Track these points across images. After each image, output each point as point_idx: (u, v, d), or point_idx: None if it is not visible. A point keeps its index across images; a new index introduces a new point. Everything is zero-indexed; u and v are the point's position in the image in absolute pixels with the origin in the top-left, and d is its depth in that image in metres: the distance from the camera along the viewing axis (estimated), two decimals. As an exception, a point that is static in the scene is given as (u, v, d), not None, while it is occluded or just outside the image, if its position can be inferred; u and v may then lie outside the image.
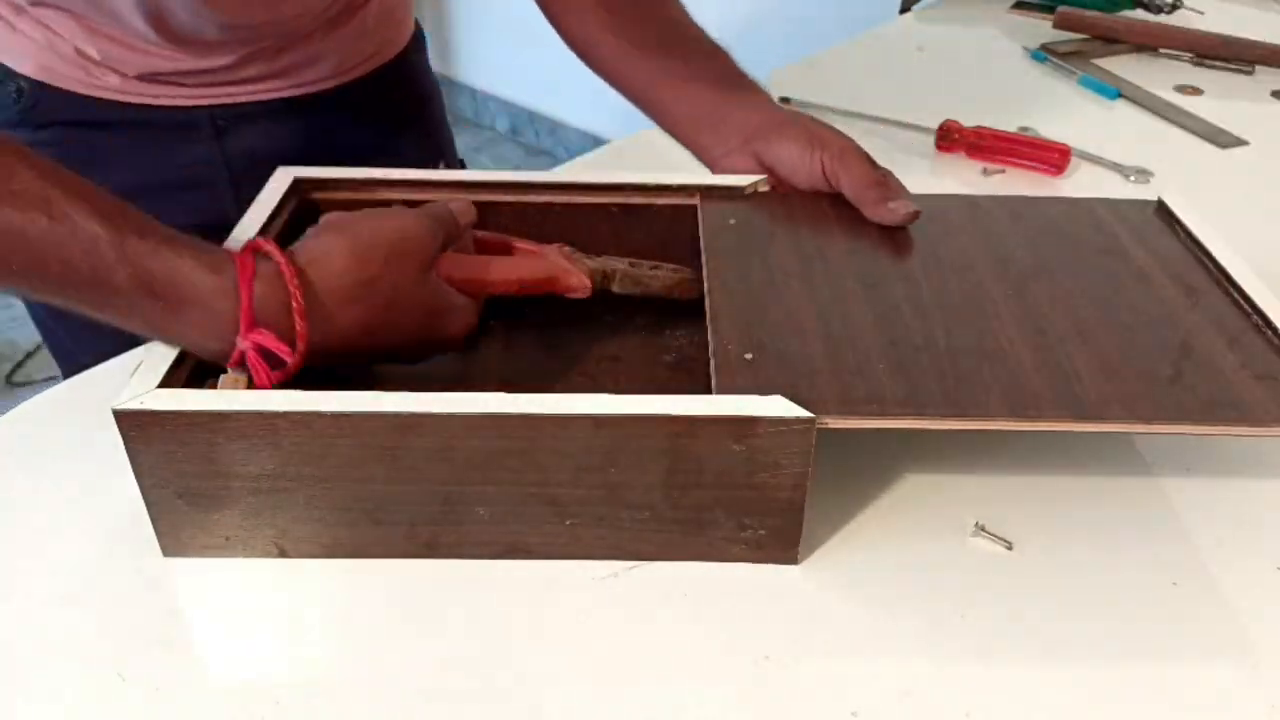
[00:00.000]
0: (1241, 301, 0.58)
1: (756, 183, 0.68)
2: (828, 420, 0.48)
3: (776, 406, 0.48)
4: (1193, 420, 0.50)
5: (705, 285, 0.59)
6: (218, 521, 0.51)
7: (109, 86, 0.78)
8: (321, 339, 0.51)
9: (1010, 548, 0.54)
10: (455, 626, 0.50)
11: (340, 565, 0.52)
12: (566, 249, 0.65)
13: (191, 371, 0.53)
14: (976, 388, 0.51)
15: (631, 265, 0.66)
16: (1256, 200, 0.90)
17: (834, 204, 0.67)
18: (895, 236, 0.64)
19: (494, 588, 0.51)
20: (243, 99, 0.81)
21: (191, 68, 0.77)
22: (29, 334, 2.18)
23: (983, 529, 0.54)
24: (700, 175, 0.68)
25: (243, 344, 0.49)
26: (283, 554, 0.52)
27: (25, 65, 0.78)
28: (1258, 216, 0.87)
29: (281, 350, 0.49)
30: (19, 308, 2.26)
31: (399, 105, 0.91)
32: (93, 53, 0.75)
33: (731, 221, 0.65)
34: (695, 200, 0.67)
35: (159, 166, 0.82)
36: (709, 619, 0.50)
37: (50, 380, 1.97)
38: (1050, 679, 0.48)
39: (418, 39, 0.94)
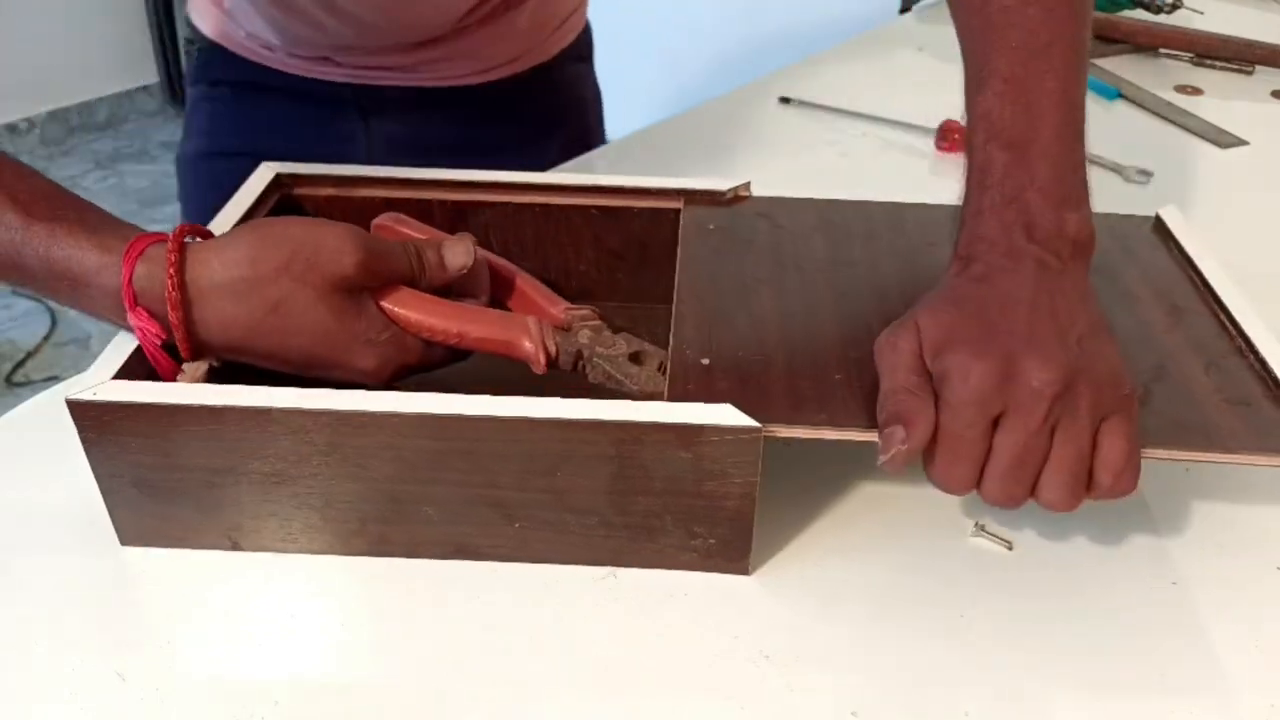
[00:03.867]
0: (1227, 324, 0.57)
1: (737, 187, 0.68)
2: (779, 429, 0.48)
3: (724, 415, 0.47)
4: (1156, 444, 0.48)
5: (675, 290, 0.58)
6: (171, 512, 0.52)
7: (272, 57, 0.85)
8: (201, 328, 0.50)
9: (1010, 548, 0.54)
10: (457, 627, 0.49)
11: (340, 563, 0.52)
12: (562, 315, 0.59)
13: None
14: None
15: (632, 357, 0.57)
16: (1257, 200, 0.90)
17: (820, 212, 0.66)
18: (876, 247, 0.63)
19: (493, 588, 0.51)
20: (384, 83, 0.85)
21: (340, 43, 0.81)
22: (29, 334, 2.19)
23: (983, 529, 0.54)
24: (682, 179, 0.68)
25: (132, 323, 0.49)
26: (235, 547, 0.53)
27: (206, 27, 0.87)
28: (1258, 217, 0.86)
29: (155, 333, 0.49)
30: (19, 307, 2.26)
31: (548, 109, 0.93)
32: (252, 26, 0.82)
33: (712, 226, 0.64)
34: (677, 204, 0.67)
35: (309, 136, 0.89)
36: (710, 619, 0.50)
37: (50, 380, 1.98)
38: (1050, 679, 0.48)
39: (581, 46, 0.95)
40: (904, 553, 0.54)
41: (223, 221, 0.62)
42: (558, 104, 0.94)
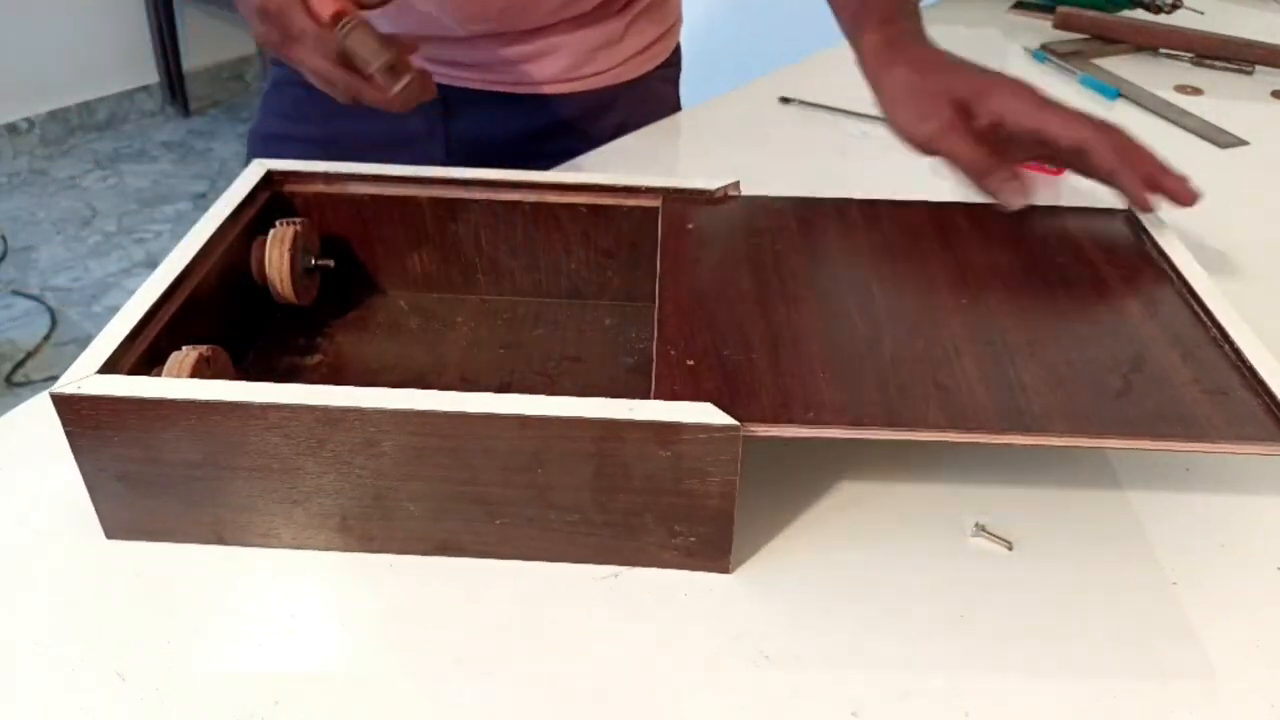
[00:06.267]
0: (1201, 314, 0.57)
1: (726, 186, 0.67)
2: (758, 428, 0.48)
3: (703, 413, 0.47)
4: (1137, 435, 0.49)
5: (657, 290, 0.59)
6: (155, 506, 0.52)
7: None
8: None
9: (1010, 548, 0.54)
10: (457, 626, 0.49)
11: (334, 560, 0.52)
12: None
13: (139, 359, 0.53)
14: (916, 398, 0.50)
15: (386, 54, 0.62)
16: (1256, 200, 0.90)
17: (798, 211, 0.66)
18: (855, 244, 0.63)
19: (493, 586, 0.51)
20: (470, 85, 0.85)
21: (429, 34, 0.80)
22: (29, 334, 2.19)
23: (983, 529, 0.54)
24: (667, 178, 0.68)
25: None
26: (220, 541, 0.53)
27: None
28: (1258, 216, 0.86)
29: None
30: (19, 307, 2.27)
31: (630, 123, 0.94)
32: None
33: (690, 225, 0.64)
34: (659, 203, 0.67)
35: (388, 129, 0.89)
36: (709, 619, 0.50)
37: (50, 380, 1.98)
38: (1050, 679, 0.47)
39: (671, 67, 0.96)
40: (904, 553, 0.53)
41: (215, 214, 0.62)
42: (640, 119, 0.95)
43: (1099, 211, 0.68)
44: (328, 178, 0.68)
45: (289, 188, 0.68)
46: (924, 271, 0.61)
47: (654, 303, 0.58)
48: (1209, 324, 0.56)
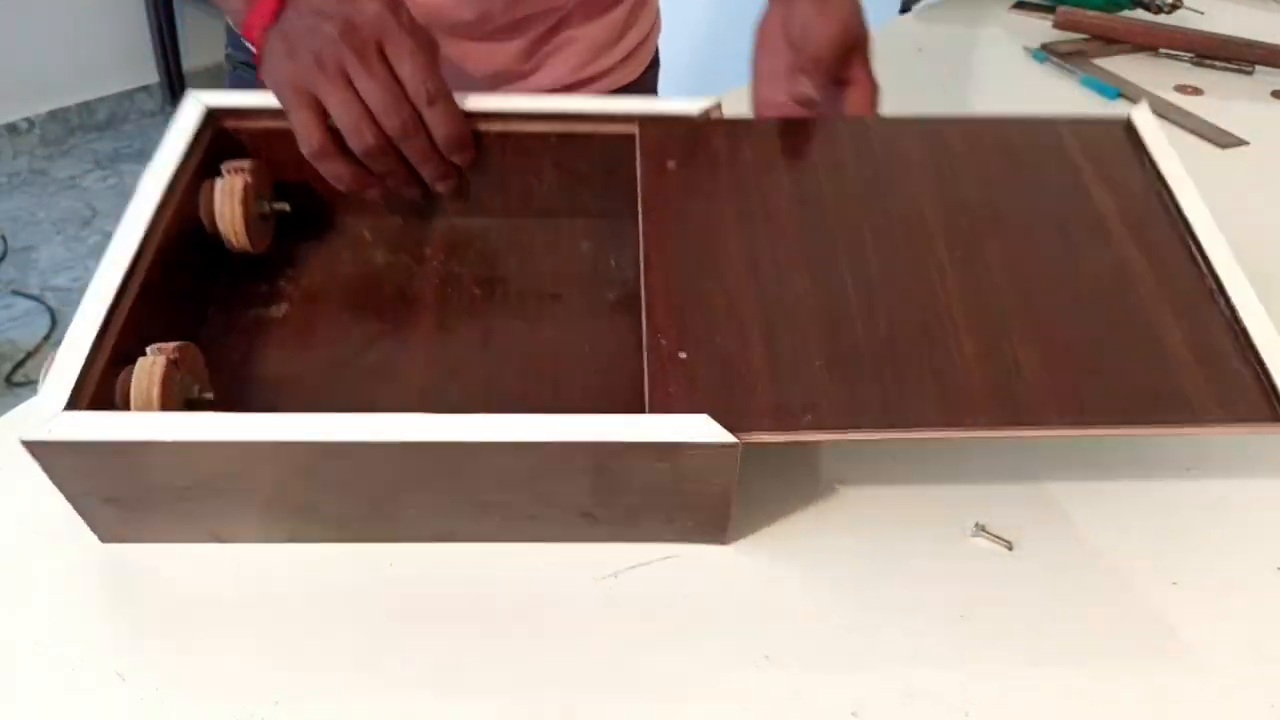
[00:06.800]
0: (1199, 260, 0.56)
1: (708, 109, 0.62)
2: (756, 436, 0.47)
3: (701, 430, 0.47)
4: (1135, 423, 0.49)
5: (641, 256, 0.55)
6: (148, 519, 0.51)
7: None
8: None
9: (1010, 548, 0.54)
10: (458, 625, 0.50)
11: (336, 555, 0.52)
12: None
13: (107, 363, 0.50)
14: (914, 393, 0.50)
15: None
16: (1256, 200, 0.90)
17: (784, 136, 0.63)
18: (842, 179, 0.60)
19: (493, 585, 0.51)
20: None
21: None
22: (29, 334, 2.19)
23: (983, 529, 0.54)
24: (644, 103, 0.64)
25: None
26: (218, 540, 0.52)
27: None
28: (1258, 216, 0.86)
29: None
30: (19, 307, 2.26)
31: None
32: None
33: (671, 165, 0.60)
34: (635, 129, 0.62)
35: None
36: (709, 620, 0.50)
37: (50, 380, 1.97)
38: (1050, 679, 0.48)
39: (653, 69, 0.96)
40: (904, 553, 0.53)
41: (165, 157, 0.58)
42: None
43: (1097, 123, 0.65)
44: (275, 113, 0.60)
45: (232, 124, 0.62)
46: (916, 214, 0.58)
47: (632, 221, 0.55)
48: (1206, 271, 0.56)
